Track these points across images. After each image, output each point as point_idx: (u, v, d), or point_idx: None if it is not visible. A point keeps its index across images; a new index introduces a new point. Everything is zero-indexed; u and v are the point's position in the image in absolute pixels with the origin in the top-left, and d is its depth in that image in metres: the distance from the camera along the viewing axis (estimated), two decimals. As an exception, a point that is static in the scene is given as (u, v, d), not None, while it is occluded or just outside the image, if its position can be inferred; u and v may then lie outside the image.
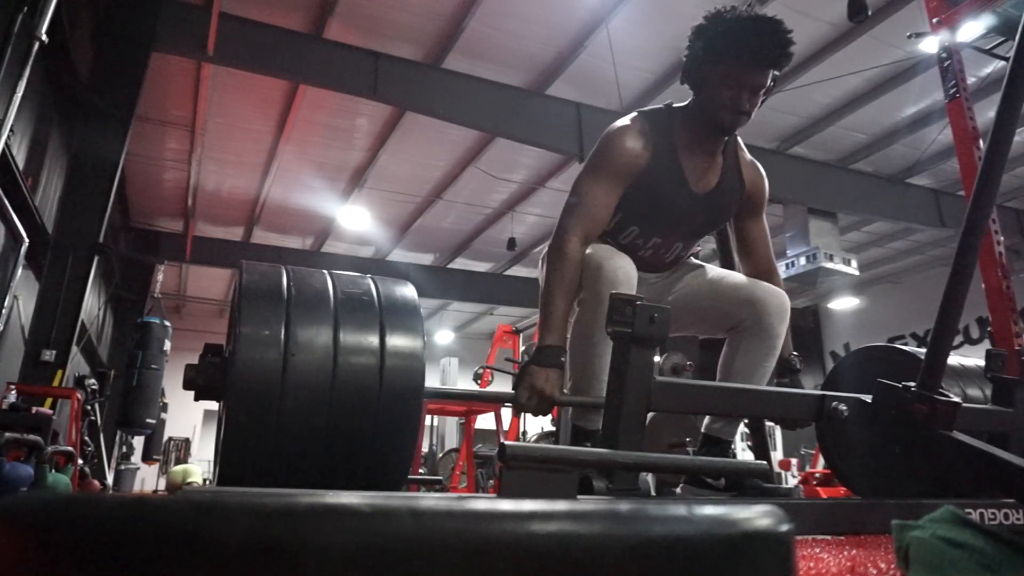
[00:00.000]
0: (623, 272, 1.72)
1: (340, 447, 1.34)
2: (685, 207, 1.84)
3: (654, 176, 1.78)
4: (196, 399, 1.53)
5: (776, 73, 1.72)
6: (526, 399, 1.61)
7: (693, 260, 2.08)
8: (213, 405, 1.54)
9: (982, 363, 1.91)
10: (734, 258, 2.15)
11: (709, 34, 1.70)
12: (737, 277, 2.00)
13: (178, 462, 13.57)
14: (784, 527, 0.37)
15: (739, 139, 1.93)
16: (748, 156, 1.96)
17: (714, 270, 2.05)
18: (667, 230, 1.89)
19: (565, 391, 1.73)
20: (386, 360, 1.36)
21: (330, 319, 1.36)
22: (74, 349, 5.84)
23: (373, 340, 1.37)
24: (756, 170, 1.96)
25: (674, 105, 1.84)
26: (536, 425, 8.44)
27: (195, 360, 1.50)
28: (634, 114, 1.85)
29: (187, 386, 1.50)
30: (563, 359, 1.67)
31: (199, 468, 7.55)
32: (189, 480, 7.51)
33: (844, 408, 1.56)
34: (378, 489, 1.39)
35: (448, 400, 6.46)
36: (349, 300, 1.41)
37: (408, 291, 1.54)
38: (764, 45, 1.64)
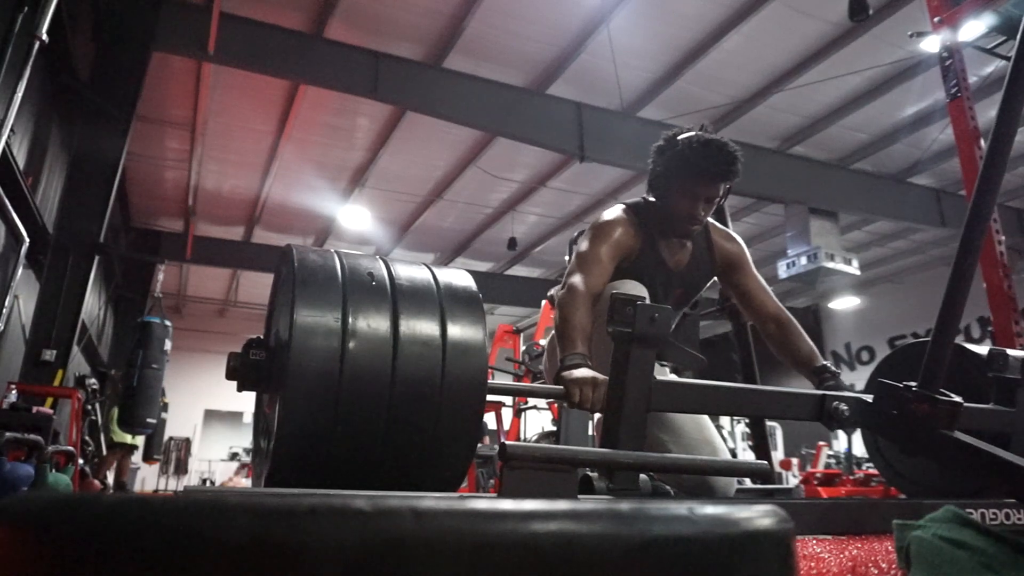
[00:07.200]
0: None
1: (400, 445, 1.27)
2: (663, 280, 2.09)
3: (640, 257, 2.06)
4: (239, 390, 1.44)
5: (727, 185, 1.98)
6: (578, 396, 1.61)
7: None
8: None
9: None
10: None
11: (668, 154, 1.99)
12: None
13: (179, 462, 13.57)
14: (784, 527, 0.37)
15: (708, 219, 2.15)
16: (720, 228, 2.21)
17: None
18: (651, 301, 2.00)
19: None
20: (448, 351, 1.31)
21: (389, 307, 1.29)
22: (75, 349, 5.84)
23: (434, 330, 1.32)
24: (727, 238, 2.21)
25: (649, 199, 2.09)
26: (536, 425, 8.44)
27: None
28: (622, 205, 2.11)
29: (230, 376, 1.40)
30: (589, 363, 1.71)
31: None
32: None
33: (845, 408, 1.56)
34: (437, 490, 1.33)
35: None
36: (408, 288, 1.34)
37: (467, 280, 1.49)
38: (714, 164, 1.92)
